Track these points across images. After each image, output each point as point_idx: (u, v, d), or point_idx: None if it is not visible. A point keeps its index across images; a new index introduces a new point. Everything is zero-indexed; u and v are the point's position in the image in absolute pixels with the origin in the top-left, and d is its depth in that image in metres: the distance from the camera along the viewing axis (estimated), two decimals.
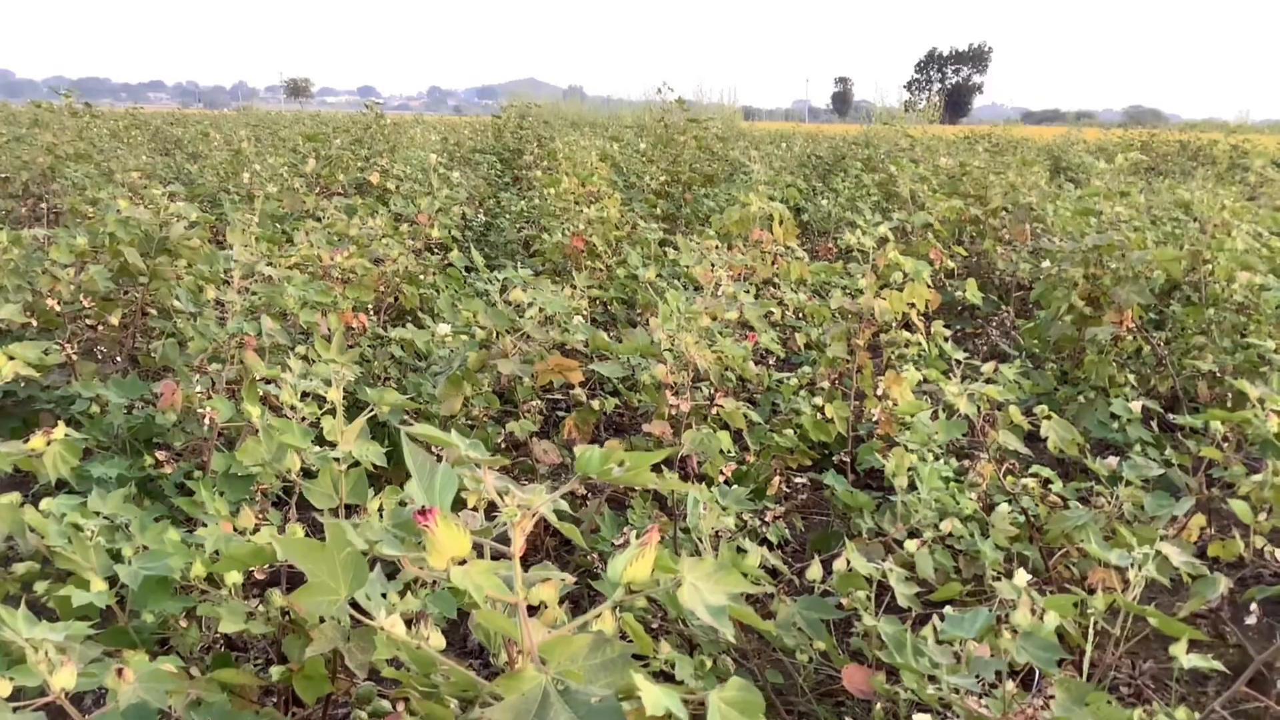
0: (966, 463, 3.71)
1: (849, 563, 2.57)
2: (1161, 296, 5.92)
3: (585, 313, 4.55)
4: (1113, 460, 3.78)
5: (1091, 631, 2.54)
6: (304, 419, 2.71)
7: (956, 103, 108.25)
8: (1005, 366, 3.55)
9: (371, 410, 2.58)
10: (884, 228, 4.63)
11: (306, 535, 2.14)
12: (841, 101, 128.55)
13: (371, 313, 5.37)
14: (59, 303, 4.38)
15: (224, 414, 2.72)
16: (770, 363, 5.17)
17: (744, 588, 1.54)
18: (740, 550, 2.67)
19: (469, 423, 3.75)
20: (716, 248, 5.32)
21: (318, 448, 2.51)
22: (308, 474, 2.57)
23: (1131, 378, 5.11)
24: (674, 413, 3.43)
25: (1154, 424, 4.78)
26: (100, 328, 4.65)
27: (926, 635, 2.66)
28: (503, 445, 3.80)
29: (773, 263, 5.63)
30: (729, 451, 3.71)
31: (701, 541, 2.64)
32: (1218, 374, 4.86)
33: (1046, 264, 5.44)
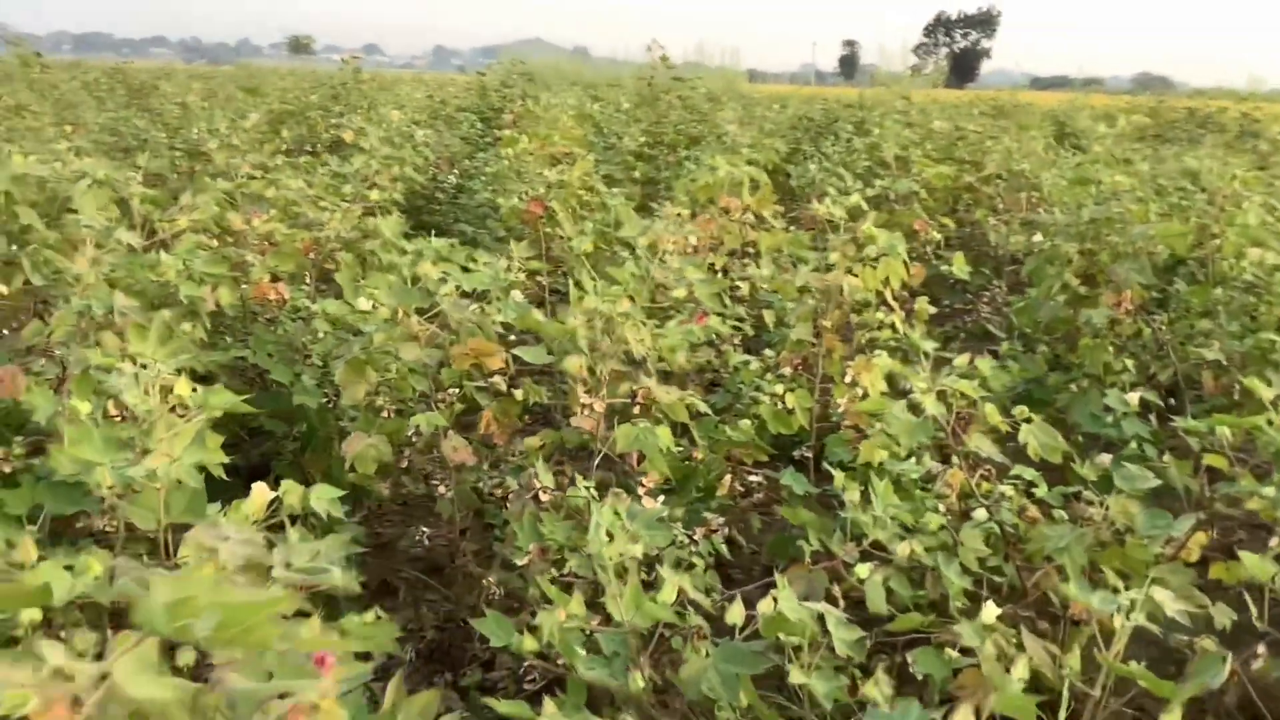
0: (940, 466, 3.26)
1: (775, 602, 2.13)
2: (1163, 274, 5.44)
3: (523, 288, 4.10)
4: (1106, 458, 3.34)
5: (1066, 694, 2.12)
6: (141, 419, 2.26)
7: (964, 67, 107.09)
8: (982, 360, 3.09)
9: (203, 416, 2.13)
10: (856, 196, 4.17)
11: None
12: (848, 65, 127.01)
13: (307, 282, 4.91)
14: None
15: (42, 409, 2.28)
16: (735, 344, 4.71)
17: None
18: (647, 583, 2.23)
19: (373, 414, 3.30)
20: (679, 215, 4.86)
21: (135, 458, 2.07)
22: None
23: (1129, 364, 4.65)
24: (587, 412, 2.98)
25: (1153, 417, 4.33)
26: None
27: (870, 692, 2.23)
28: (411, 440, 3.36)
29: (743, 233, 5.17)
30: (669, 449, 3.27)
31: (604, 572, 2.20)
32: (1224, 363, 4.40)
33: (1039, 237, 4.96)
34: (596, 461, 3.04)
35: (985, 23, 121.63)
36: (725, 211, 5.11)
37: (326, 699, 1.23)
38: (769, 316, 4.77)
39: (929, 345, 3.13)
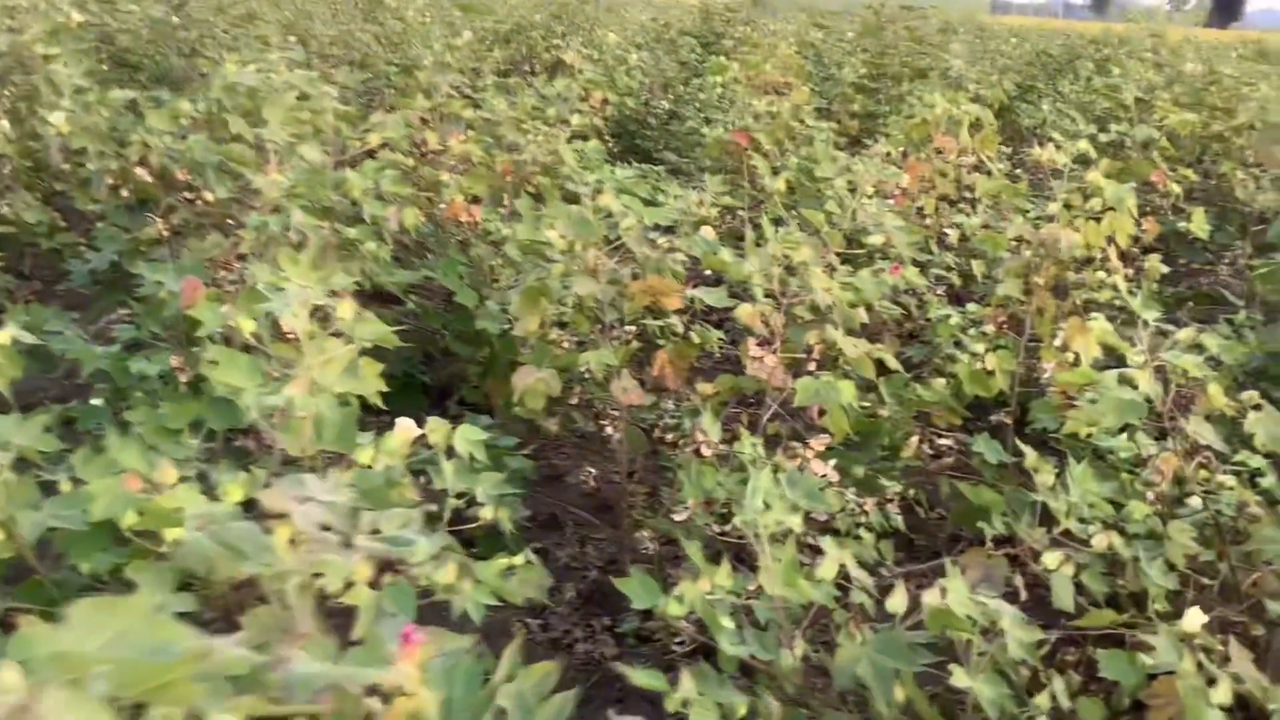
0: (1154, 446, 2.94)
1: (944, 592, 1.92)
2: None
3: (719, 224, 3.93)
4: None
5: None
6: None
7: (1228, 4, 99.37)
8: (1209, 335, 2.74)
9: (356, 345, 2.07)
10: (1084, 142, 3.80)
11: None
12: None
13: (505, 205, 4.86)
14: (154, 174, 4.05)
15: (209, 323, 2.27)
16: (939, 294, 4.42)
17: None
18: (805, 558, 2.06)
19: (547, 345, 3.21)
20: (888, 155, 4.57)
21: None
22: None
23: None
24: (758, 368, 2.79)
25: None
26: (199, 203, 4.31)
27: (1041, 703, 2.01)
28: (585, 376, 3.26)
29: (959, 177, 4.83)
30: (853, 405, 3.06)
31: (758, 541, 2.04)
32: None
33: None
34: (767, 415, 2.87)
35: None
36: (940, 152, 4.78)
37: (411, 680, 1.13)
38: (978, 267, 4.45)
39: (1151, 312, 2.80)
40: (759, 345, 2.79)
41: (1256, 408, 2.62)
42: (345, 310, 2.20)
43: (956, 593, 1.94)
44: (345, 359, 2.09)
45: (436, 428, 2.07)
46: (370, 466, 2.08)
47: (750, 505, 2.05)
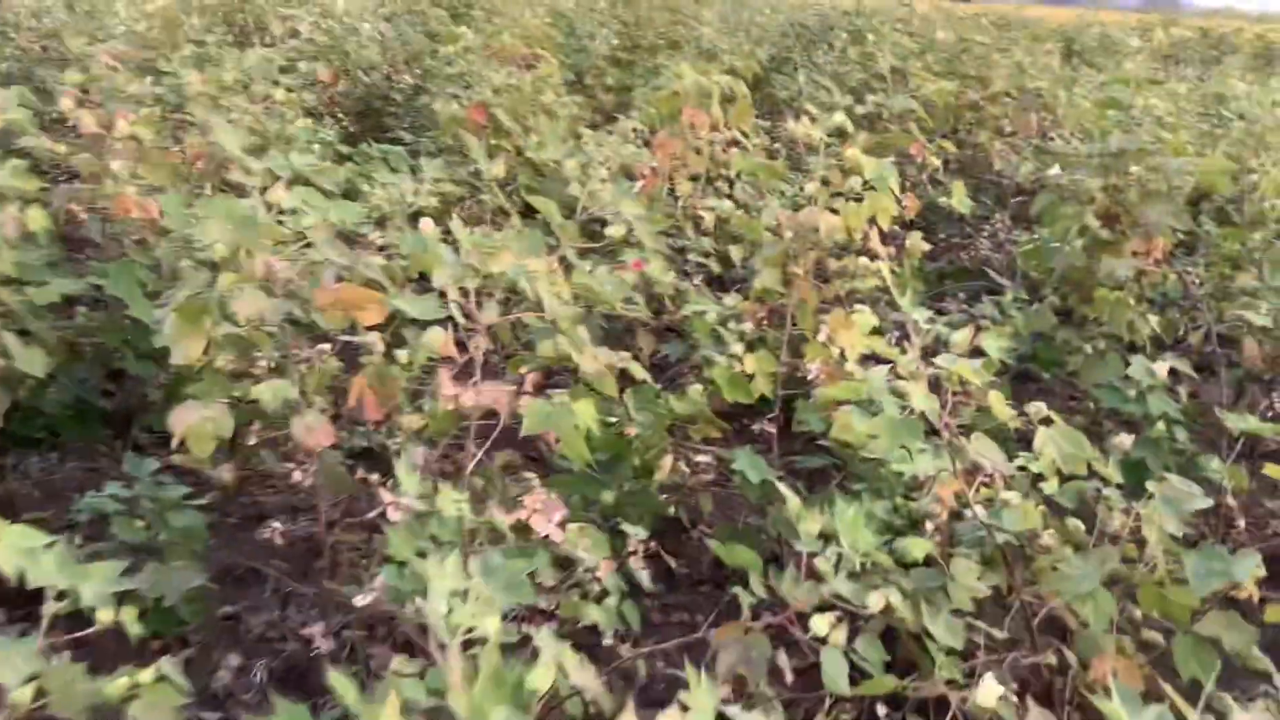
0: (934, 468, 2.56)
1: (684, 709, 1.46)
2: (1188, 212, 4.67)
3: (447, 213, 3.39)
4: (1126, 440, 2.68)
5: None
6: None
7: None
8: (989, 334, 2.39)
9: None
10: (839, 115, 3.43)
11: None
12: None
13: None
14: None
15: None
16: (697, 284, 4.00)
17: None
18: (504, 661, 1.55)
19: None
20: (635, 132, 4.11)
21: None
22: None
23: (1154, 322, 3.94)
24: (449, 401, 2.27)
25: (1182, 391, 3.66)
26: None
27: None
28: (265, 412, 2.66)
29: (713, 154, 4.42)
30: (590, 428, 2.58)
31: (443, 652, 1.53)
32: (1271, 327, 3.71)
33: (1055, 170, 4.21)
34: (475, 450, 2.35)
35: None
36: (693, 127, 4.36)
37: None
38: (736, 252, 4.06)
39: (921, 313, 2.41)
40: (454, 379, 2.26)
41: (1046, 422, 2.27)
42: None
43: (698, 698, 1.48)
44: None
45: None
46: None
47: (430, 608, 1.53)
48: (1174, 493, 2.27)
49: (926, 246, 4.07)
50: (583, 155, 3.50)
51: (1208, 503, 2.26)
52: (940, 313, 4.04)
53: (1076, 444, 2.26)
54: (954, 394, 2.36)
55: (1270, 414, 4.09)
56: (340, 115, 7.48)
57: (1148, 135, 4.37)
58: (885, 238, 3.74)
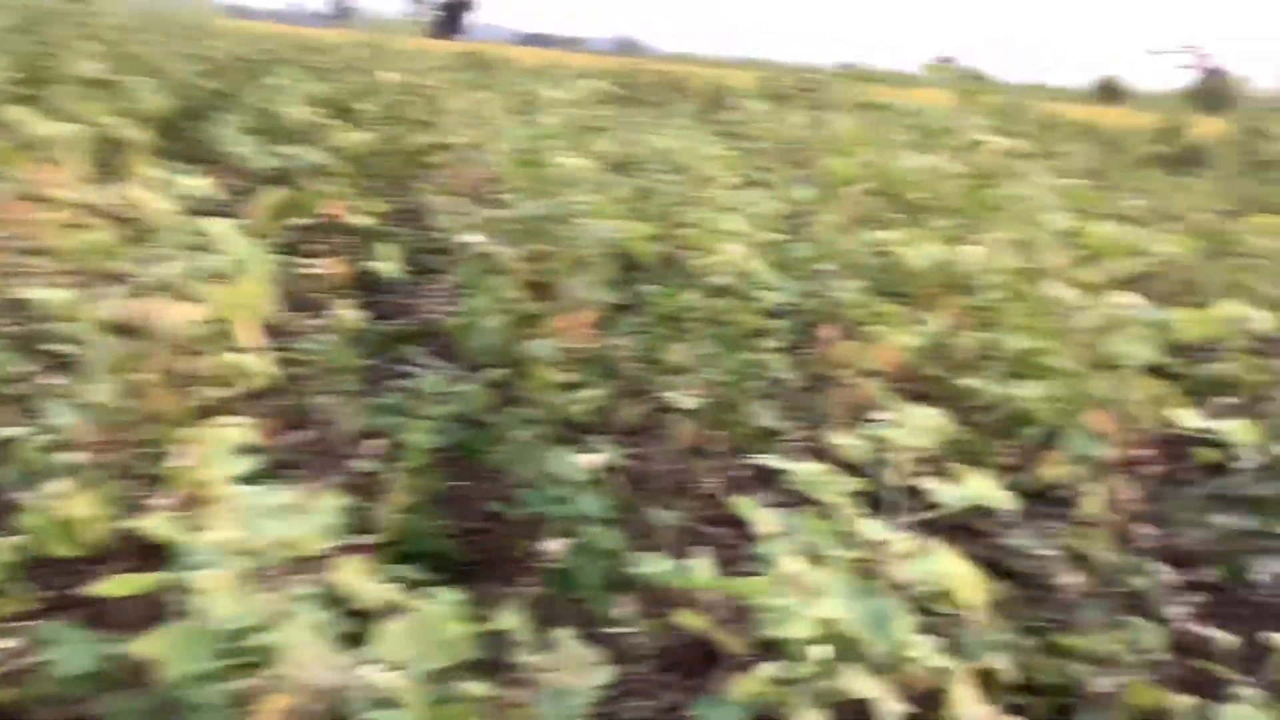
0: None
1: None
2: (628, 273, 4.44)
3: None
4: (557, 547, 2.25)
5: None
6: None
7: (453, 19, 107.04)
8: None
9: None
10: (198, 180, 2.78)
11: None
12: (342, 7, 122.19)
13: None
14: None
15: None
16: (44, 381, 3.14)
17: None
18: None
19: None
20: None
21: None
22: None
23: (587, 399, 3.60)
24: None
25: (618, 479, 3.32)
26: None
27: None
28: None
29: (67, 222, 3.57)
30: None
31: None
32: (696, 409, 3.47)
33: (475, 236, 3.79)
34: None
35: None
36: (35, 189, 3.49)
37: None
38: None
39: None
40: None
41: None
42: None
43: None
44: None
45: None
46: None
47: None
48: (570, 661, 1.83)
49: (358, 315, 3.65)
50: None
51: (606, 677, 1.82)
52: (403, 375, 3.66)
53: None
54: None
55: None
56: None
57: (582, 195, 4.08)
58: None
